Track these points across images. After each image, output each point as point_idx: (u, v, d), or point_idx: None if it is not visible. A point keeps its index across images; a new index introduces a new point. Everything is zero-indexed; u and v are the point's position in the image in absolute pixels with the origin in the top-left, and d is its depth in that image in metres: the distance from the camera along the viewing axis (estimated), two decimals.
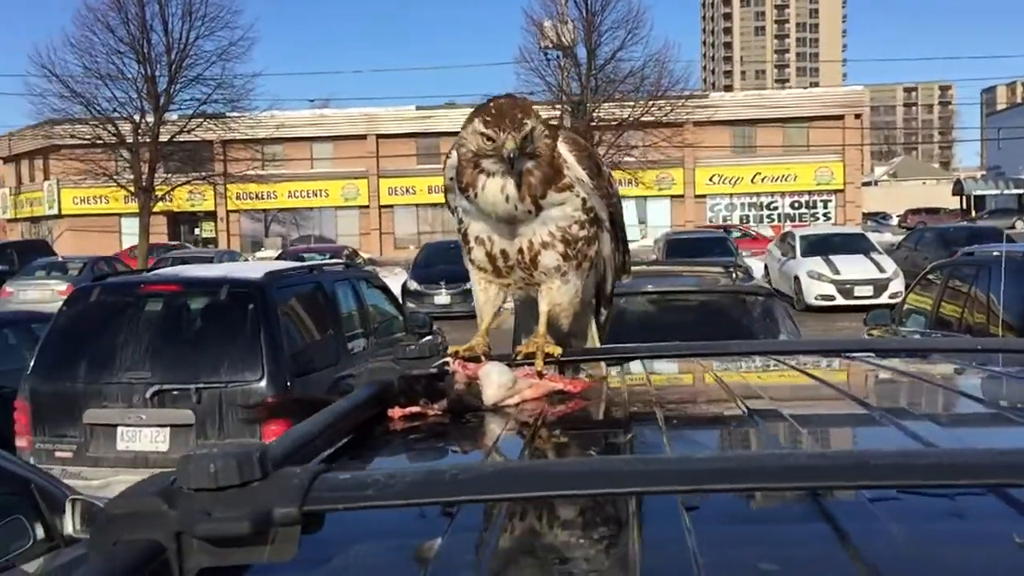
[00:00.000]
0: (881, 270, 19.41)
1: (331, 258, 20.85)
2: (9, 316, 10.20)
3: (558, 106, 34.20)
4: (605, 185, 1.66)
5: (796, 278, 19.74)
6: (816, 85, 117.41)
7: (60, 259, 23.92)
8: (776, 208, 45.79)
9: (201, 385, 6.22)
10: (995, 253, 7.24)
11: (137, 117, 31.80)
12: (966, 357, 1.81)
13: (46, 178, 45.77)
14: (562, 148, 1.60)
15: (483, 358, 1.58)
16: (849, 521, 0.80)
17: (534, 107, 1.60)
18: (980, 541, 0.79)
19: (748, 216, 45.57)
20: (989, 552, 0.76)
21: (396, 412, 1.46)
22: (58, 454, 6.34)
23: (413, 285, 19.70)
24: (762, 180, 45.21)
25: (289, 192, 44.87)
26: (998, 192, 57.33)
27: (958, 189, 59.47)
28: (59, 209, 45.19)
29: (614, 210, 1.71)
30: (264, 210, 45.37)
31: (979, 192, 57.89)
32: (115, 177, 32.63)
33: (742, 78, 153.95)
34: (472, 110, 1.62)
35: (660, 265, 10.65)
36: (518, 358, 1.63)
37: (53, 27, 48.95)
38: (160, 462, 5.99)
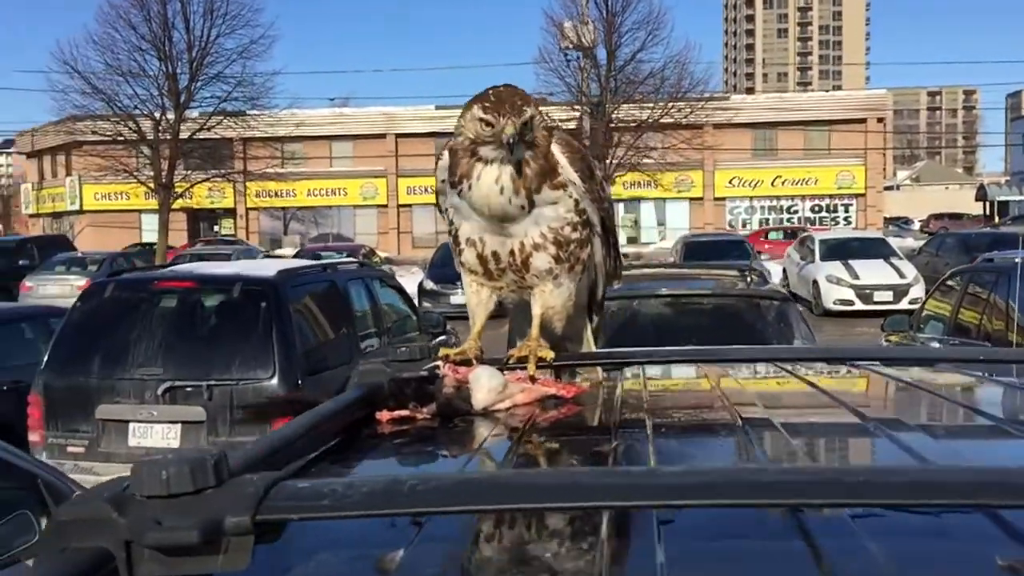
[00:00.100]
0: (901, 275, 19.24)
1: (347, 257, 20.90)
2: (26, 310, 10.26)
3: (577, 107, 34.16)
4: (597, 189, 1.63)
5: (815, 282, 19.59)
6: (839, 88, 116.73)
7: (80, 255, 24.10)
8: (796, 212, 45.49)
9: (213, 382, 6.24)
10: (1016, 260, 7.15)
11: (158, 114, 32.00)
12: (970, 367, 1.77)
13: (68, 174, 46.14)
14: (555, 149, 1.58)
15: (474, 361, 1.56)
16: (827, 538, 0.78)
17: (533, 98, 1.57)
18: (961, 562, 0.76)
19: (767, 220, 45.32)
20: (970, 574, 0.73)
21: (384, 415, 1.44)
22: (70, 449, 6.38)
23: (429, 284, 19.74)
24: (782, 183, 44.93)
25: (308, 190, 45.04)
26: (1022, 198, 56.74)
27: (981, 194, 58.93)
28: (80, 205, 45.55)
29: (606, 215, 1.68)
30: (283, 208, 45.58)
31: (1003, 198, 57.30)
32: (135, 174, 32.88)
33: (764, 80, 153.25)
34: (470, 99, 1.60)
35: (674, 267, 10.58)
36: (510, 362, 1.61)
37: (76, 24, 49.47)
38: None
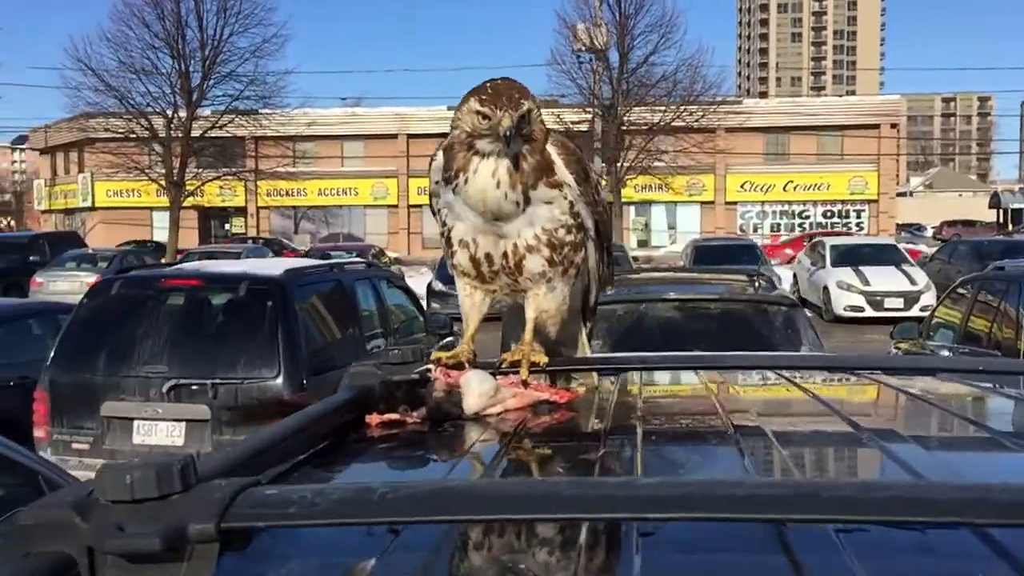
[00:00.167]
0: (912, 282, 19.13)
1: (357, 257, 20.92)
2: (34, 306, 10.30)
3: (589, 109, 34.15)
4: (592, 192, 1.61)
5: (825, 288, 19.51)
6: (853, 93, 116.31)
7: (90, 251, 24.20)
8: (808, 217, 45.32)
9: (218, 381, 6.24)
10: None
11: (170, 112, 32.16)
12: (970, 377, 1.74)
13: (80, 171, 46.35)
14: (551, 150, 1.56)
15: (467, 365, 1.54)
16: (809, 553, 0.76)
17: (531, 92, 1.55)
18: None
19: (779, 225, 45.18)
20: None
21: (374, 419, 1.43)
22: (75, 445, 6.39)
23: (438, 286, 19.74)
24: (794, 188, 44.78)
25: (319, 190, 45.13)
26: None
27: (995, 202, 58.61)
28: (92, 201, 45.74)
29: (600, 219, 1.66)
30: (294, 207, 45.68)
31: (1016, 205, 56.98)
32: (147, 171, 33.03)
33: (777, 85, 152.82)
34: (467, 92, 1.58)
35: (682, 271, 10.54)
36: (503, 366, 1.59)
37: (90, 21, 49.75)
38: None
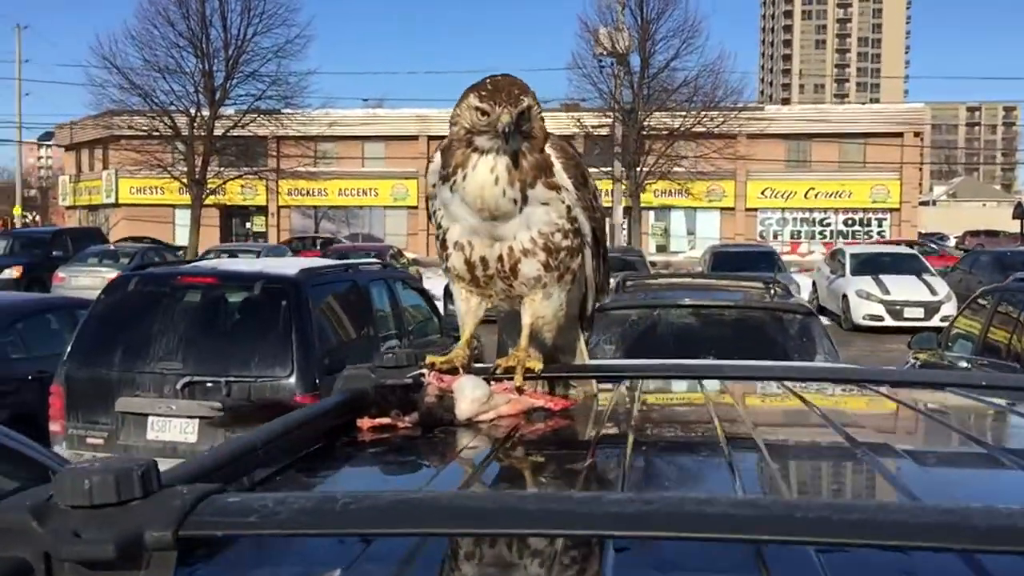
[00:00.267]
0: (933, 292, 18.95)
1: (374, 257, 20.96)
2: (53, 301, 10.39)
3: (609, 113, 34.08)
4: (589, 197, 1.59)
5: (844, 296, 19.36)
6: (876, 101, 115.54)
7: (112, 247, 24.39)
8: (829, 225, 45.00)
9: (231, 378, 6.26)
10: None
11: (193, 111, 32.38)
12: (981, 393, 1.70)
13: (105, 167, 46.74)
14: (550, 152, 1.54)
15: (461, 370, 1.53)
16: (787, 574, 0.73)
17: (531, 88, 1.53)
18: None
19: (799, 232, 44.89)
20: None
21: (365, 423, 1.41)
22: (90, 440, 6.43)
23: None
24: (815, 196, 44.47)
25: (339, 190, 45.27)
26: None
27: (1019, 212, 57.91)
28: (116, 198, 46.11)
29: (597, 225, 1.63)
30: (314, 207, 45.85)
31: None
32: (170, 169, 33.28)
33: (800, 91, 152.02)
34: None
35: (698, 278, 10.48)
36: (497, 371, 1.57)
37: (116, 19, 50.15)
38: (188, 453, 6.02)
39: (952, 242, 55.75)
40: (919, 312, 18.38)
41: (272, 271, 7.17)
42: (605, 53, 33.39)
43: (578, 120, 35.14)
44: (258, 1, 32.75)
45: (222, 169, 34.22)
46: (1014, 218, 58.31)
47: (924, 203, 67.95)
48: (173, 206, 42.62)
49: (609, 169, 33.61)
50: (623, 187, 33.86)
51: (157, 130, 32.55)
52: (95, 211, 48.17)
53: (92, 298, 8.14)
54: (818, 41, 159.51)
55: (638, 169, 34.18)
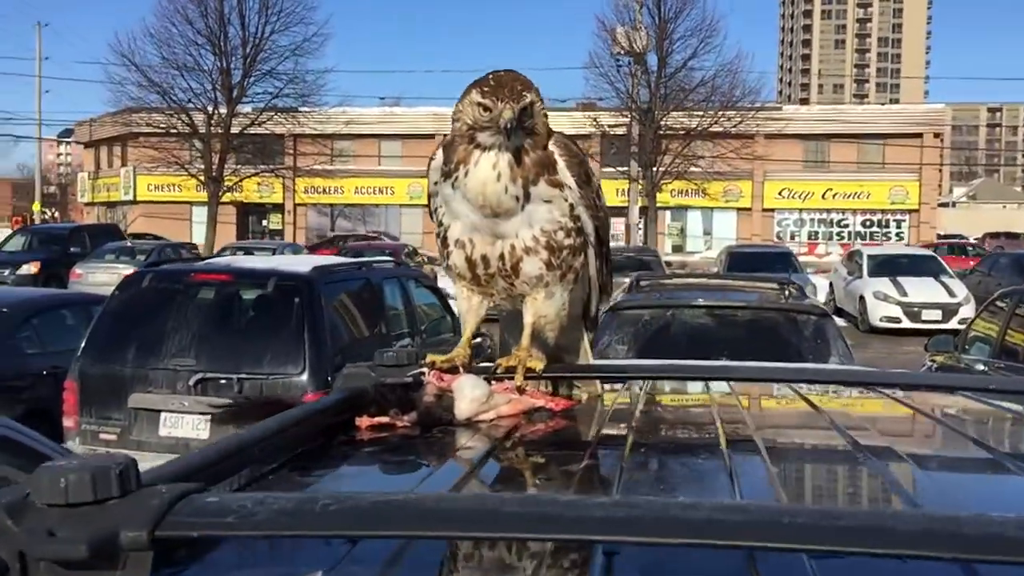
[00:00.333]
0: (951, 294, 18.79)
1: (390, 255, 20.99)
2: (68, 297, 10.44)
3: (626, 113, 33.99)
4: (592, 196, 1.57)
5: (861, 298, 19.23)
6: (896, 101, 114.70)
7: (128, 244, 24.54)
8: (847, 226, 44.71)
9: (244, 375, 6.28)
10: None
11: (210, 108, 32.54)
12: (992, 397, 1.67)
13: (123, 164, 47.03)
14: (553, 149, 1.52)
15: (461, 369, 1.51)
16: None
17: (535, 84, 1.52)
18: None
19: (817, 233, 44.63)
20: None
21: (364, 421, 1.40)
22: (103, 436, 6.46)
23: None
24: (833, 196, 44.20)
25: (356, 188, 45.35)
26: None
27: None
28: (134, 195, 46.38)
29: (600, 224, 1.61)
30: (331, 205, 45.96)
31: None
32: (187, 166, 33.45)
33: (819, 92, 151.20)
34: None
35: (713, 278, 10.43)
36: (498, 371, 1.56)
37: (134, 17, 50.35)
38: None
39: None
40: (937, 314, 18.24)
41: (285, 269, 7.19)
42: (622, 52, 33.31)
43: (595, 119, 35.06)
44: None
45: (239, 167, 34.37)
46: None
47: (943, 205, 67.43)
48: (190, 203, 42.83)
49: (625, 169, 33.53)
50: (639, 187, 33.78)
51: (175, 127, 32.75)
52: (113, 208, 48.47)
53: (106, 294, 8.20)
54: (837, 41, 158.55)
55: (655, 169, 34.08)
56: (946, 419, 1.55)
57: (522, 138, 1.47)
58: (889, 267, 20.02)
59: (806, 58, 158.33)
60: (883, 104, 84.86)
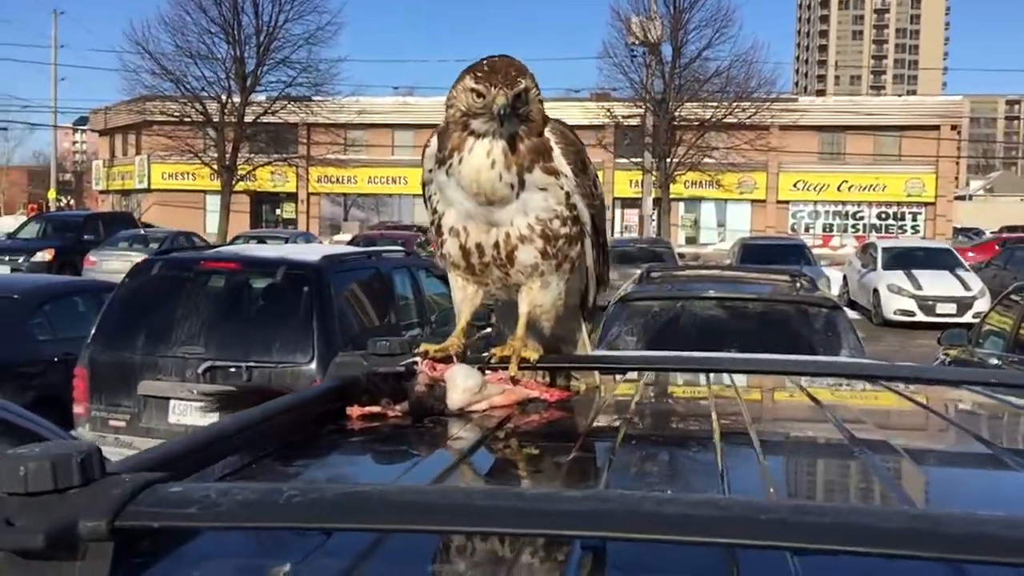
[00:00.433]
0: (966, 288, 18.65)
1: (403, 245, 21.00)
2: (80, 284, 10.48)
3: (640, 103, 33.85)
4: (589, 184, 1.54)
5: (875, 291, 19.12)
6: (914, 93, 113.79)
7: (142, 232, 24.64)
8: (862, 218, 44.43)
9: (252, 364, 6.29)
10: None
11: (224, 97, 32.58)
12: (999, 391, 1.64)
13: (138, 152, 47.19)
14: (549, 136, 1.50)
15: (454, 359, 1.49)
16: None
17: (529, 70, 1.49)
18: None
19: (832, 225, 44.38)
20: None
21: (355, 411, 1.39)
22: (112, 423, 6.49)
23: None
24: (849, 189, 43.91)
25: (369, 177, 45.36)
26: None
27: None
28: (149, 183, 46.55)
29: (596, 213, 1.59)
30: (344, 194, 46.01)
31: None
32: (200, 155, 33.53)
33: (836, 83, 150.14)
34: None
35: (724, 269, 10.37)
36: (492, 361, 1.54)
37: (148, 5, 50.37)
38: None
39: (987, 237, 54.83)
40: (951, 308, 18.11)
41: (294, 257, 7.19)
42: (637, 42, 33.15)
43: (609, 110, 34.94)
44: None
45: (252, 156, 34.43)
46: None
47: (960, 198, 66.90)
48: (204, 192, 42.94)
49: (639, 160, 33.42)
50: (653, 178, 33.66)
51: (189, 116, 32.82)
52: (128, 196, 48.66)
53: (114, 281, 8.22)
54: (855, 32, 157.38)
55: (668, 160, 33.95)
56: (947, 413, 1.52)
57: (516, 125, 1.44)
58: (903, 260, 19.89)
59: (823, 49, 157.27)
60: (900, 96, 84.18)
